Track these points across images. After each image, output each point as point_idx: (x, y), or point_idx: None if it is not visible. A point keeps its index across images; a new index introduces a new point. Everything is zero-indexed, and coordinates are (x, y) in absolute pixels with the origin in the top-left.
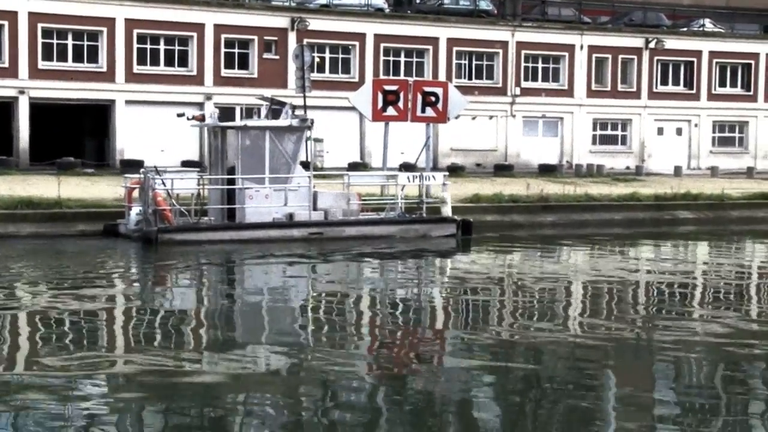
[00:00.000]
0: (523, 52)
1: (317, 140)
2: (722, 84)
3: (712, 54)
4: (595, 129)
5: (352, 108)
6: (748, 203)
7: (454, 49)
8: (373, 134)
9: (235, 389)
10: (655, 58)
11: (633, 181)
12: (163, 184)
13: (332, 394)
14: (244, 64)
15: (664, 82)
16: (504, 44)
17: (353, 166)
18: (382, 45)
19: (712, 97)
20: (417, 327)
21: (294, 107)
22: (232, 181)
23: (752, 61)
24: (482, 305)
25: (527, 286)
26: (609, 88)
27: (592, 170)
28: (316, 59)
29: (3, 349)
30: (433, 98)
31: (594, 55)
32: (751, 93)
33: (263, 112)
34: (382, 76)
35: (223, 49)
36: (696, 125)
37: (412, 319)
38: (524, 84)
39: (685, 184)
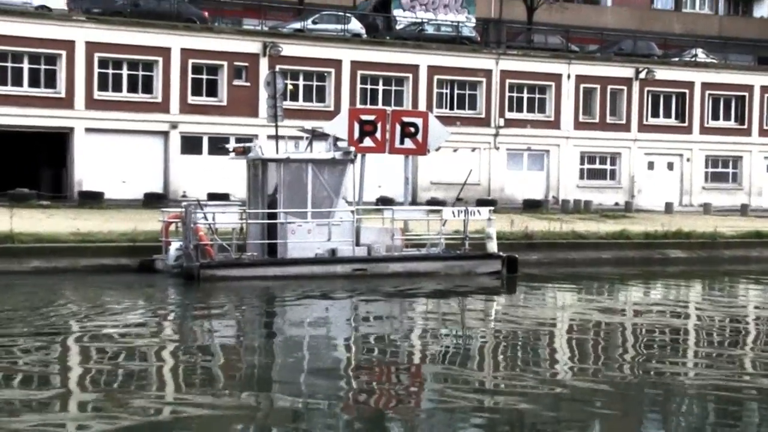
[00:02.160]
0: (508, 81)
1: None
2: (715, 117)
3: (705, 85)
4: (582, 163)
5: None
6: (742, 242)
7: (435, 77)
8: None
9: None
10: (646, 88)
11: (622, 218)
12: (205, 218)
13: None
14: (212, 91)
15: (655, 114)
16: (487, 73)
17: None
18: (359, 72)
19: (704, 130)
20: (464, 368)
21: (337, 139)
22: (273, 215)
23: (746, 93)
24: (568, 345)
25: (579, 328)
26: (597, 120)
27: (580, 206)
28: (289, 86)
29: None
30: (412, 129)
31: (582, 85)
32: (745, 126)
33: (303, 143)
34: (358, 105)
35: (190, 75)
36: (688, 159)
37: (466, 360)
38: (508, 115)
39: (677, 222)
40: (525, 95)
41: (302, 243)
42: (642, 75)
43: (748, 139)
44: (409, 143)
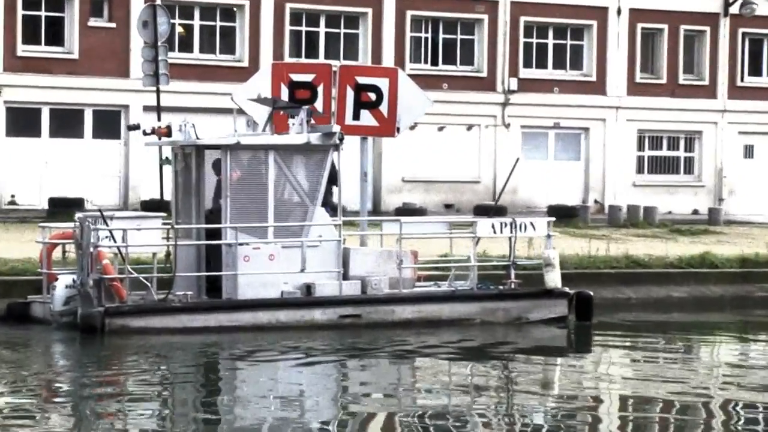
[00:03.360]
0: (523, 19)
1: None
2: None
3: None
4: (641, 148)
5: (239, 111)
6: None
7: (409, 13)
8: None
9: None
10: (741, 30)
11: (704, 234)
12: (112, 237)
13: None
14: (55, 36)
15: (755, 71)
16: (491, 6)
17: None
18: (288, 6)
19: None
20: None
21: (311, 113)
22: (214, 233)
23: None
24: None
25: None
26: (664, 80)
27: (637, 216)
28: (179, 29)
29: None
30: (372, 95)
31: (639, 26)
32: None
33: (260, 121)
34: (287, 58)
35: (20, 11)
36: None
37: None
38: (524, 73)
39: None
40: (550, 41)
41: (260, 276)
42: (734, 8)
43: None
44: (367, 118)
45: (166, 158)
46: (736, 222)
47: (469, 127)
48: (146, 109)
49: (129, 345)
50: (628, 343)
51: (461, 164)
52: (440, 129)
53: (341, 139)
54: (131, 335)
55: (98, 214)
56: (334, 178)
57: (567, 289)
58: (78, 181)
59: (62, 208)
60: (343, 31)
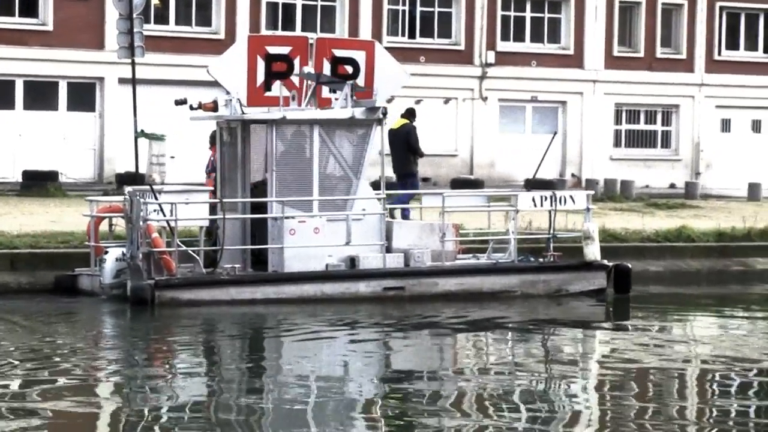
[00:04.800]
0: None
1: (155, 137)
2: None
3: None
4: (618, 121)
5: (216, 84)
6: None
7: None
8: None
9: None
10: (718, 4)
11: (681, 208)
12: (162, 211)
13: None
14: (29, 8)
15: (733, 45)
16: None
17: None
18: None
19: None
20: None
21: (354, 87)
22: (260, 207)
23: None
24: None
25: None
26: (642, 54)
27: (614, 189)
28: (154, 1)
29: None
30: (349, 68)
31: None
32: None
33: (235, 93)
34: (264, 31)
35: None
36: None
37: None
38: (502, 46)
39: (767, 214)
40: (527, 14)
41: (306, 249)
42: None
43: None
44: None
45: (141, 131)
46: (713, 196)
47: (447, 101)
48: (121, 81)
49: (178, 316)
50: (668, 315)
51: (438, 138)
52: (417, 102)
53: (384, 114)
54: (180, 307)
55: (148, 188)
56: (413, 147)
57: (606, 262)
58: (52, 154)
59: (36, 181)
60: (320, 3)
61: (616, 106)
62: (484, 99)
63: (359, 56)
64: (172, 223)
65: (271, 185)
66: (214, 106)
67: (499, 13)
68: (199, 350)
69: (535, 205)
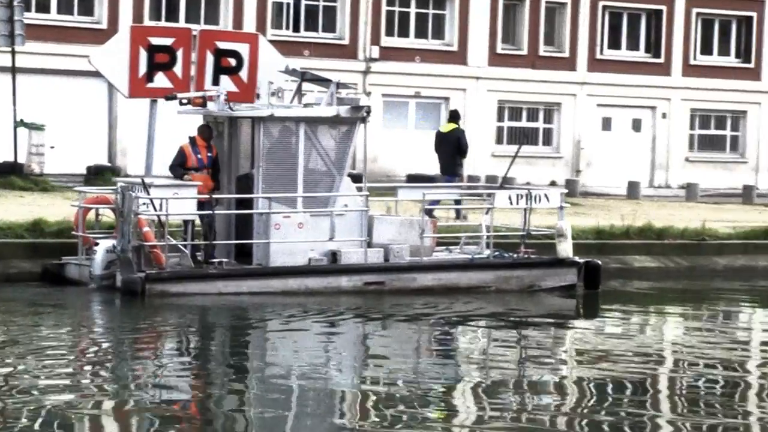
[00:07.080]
0: None
1: (34, 127)
2: (707, 50)
3: (691, 1)
4: (501, 118)
5: (97, 74)
6: (742, 245)
7: None
8: (131, 119)
9: None
10: (601, 4)
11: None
12: (152, 205)
13: None
14: None
15: (615, 45)
16: None
17: (96, 171)
18: None
19: (690, 70)
20: None
21: (339, 85)
22: (245, 203)
23: (754, 13)
24: None
25: None
26: (525, 51)
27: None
28: None
29: None
30: (233, 61)
31: None
32: (752, 65)
33: (286, 92)
34: (147, 21)
35: None
36: (664, 116)
37: None
38: (386, 41)
39: (645, 212)
40: (412, 10)
41: (290, 244)
42: None
43: (757, 85)
44: (227, 83)
45: (20, 120)
46: (593, 193)
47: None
48: (1, 70)
49: (167, 308)
50: (637, 310)
51: None
52: (416, 94)
53: (368, 113)
54: (169, 299)
55: (139, 181)
56: (463, 150)
57: (578, 259)
58: None
59: None
60: None
61: (498, 103)
62: (368, 94)
63: (243, 49)
64: (163, 218)
65: (257, 180)
66: (202, 102)
67: (384, 8)
68: (186, 340)
69: (512, 203)
